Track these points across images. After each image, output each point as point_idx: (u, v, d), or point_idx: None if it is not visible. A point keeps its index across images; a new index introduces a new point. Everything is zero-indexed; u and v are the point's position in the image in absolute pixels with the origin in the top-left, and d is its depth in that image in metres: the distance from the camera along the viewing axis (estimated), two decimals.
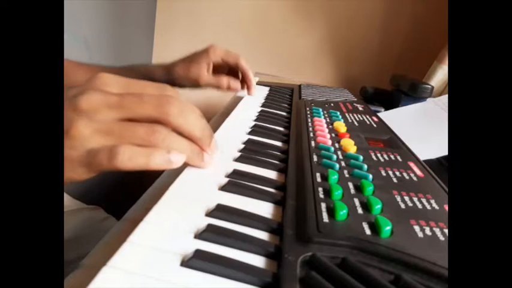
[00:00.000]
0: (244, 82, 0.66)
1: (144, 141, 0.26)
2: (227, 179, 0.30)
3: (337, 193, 0.28)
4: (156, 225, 0.23)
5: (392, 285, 0.20)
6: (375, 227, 0.24)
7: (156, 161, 0.26)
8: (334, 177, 0.31)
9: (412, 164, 0.37)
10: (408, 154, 0.40)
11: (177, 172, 0.30)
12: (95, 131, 0.25)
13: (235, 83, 0.64)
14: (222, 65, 0.64)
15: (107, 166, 0.25)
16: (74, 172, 0.26)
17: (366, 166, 0.34)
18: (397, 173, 0.34)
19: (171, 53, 1.27)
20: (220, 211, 0.25)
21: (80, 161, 0.25)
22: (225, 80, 0.64)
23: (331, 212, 0.25)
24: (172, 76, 0.65)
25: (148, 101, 0.26)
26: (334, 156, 0.36)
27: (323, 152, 0.37)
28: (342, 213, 0.25)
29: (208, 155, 0.31)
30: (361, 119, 0.54)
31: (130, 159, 0.25)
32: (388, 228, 0.24)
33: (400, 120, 0.64)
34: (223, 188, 0.29)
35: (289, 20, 1.21)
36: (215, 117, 0.59)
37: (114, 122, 0.26)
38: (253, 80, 0.66)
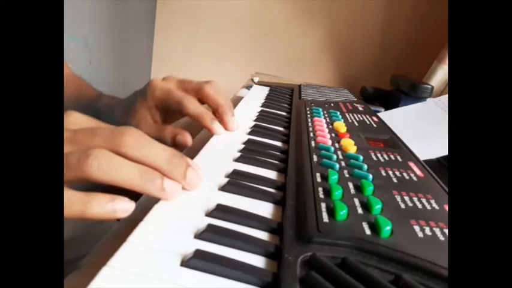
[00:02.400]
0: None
1: (76, 171, 0.22)
2: (227, 179, 0.30)
3: (337, 193, 0.28)
4: (156, 225, 0.23)
5: (392, 285, 0.20)
6: (375, 227, 0.24)
7: (93, 210, 0.22)
8: (334, 177, 0.31)
9: (412, 164, 0.37)
10: (408, 154, 0.40)
11: None
12: None
13: (184, 136, 0.43)
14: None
15: None
16: None
17: (366, 166, 0.34)
18: (397, 173, 0.34)
19: (171, 53, 1.28)
20: (220, 211, 0.25)
21: None
22: (168, 131, 0.44)
23: (331, 212, 0.25)
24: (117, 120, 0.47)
25: (101, 133, 0.24)
26: (334, 156, 0.36)
27: (323, 152, 0.37)
28: (342, 213, 0.25)
29: (171, 184, 0.26)
30: (361, 119, 0.54)
31: (66, 206, 0.22)
32: (388, 228, 0.24)
33: (400, 120, 0.64)
34: (223, 188, 0.29)
35: (290, 20, 1.21)
36: None
37: None
38: (228, 112, 0.44)
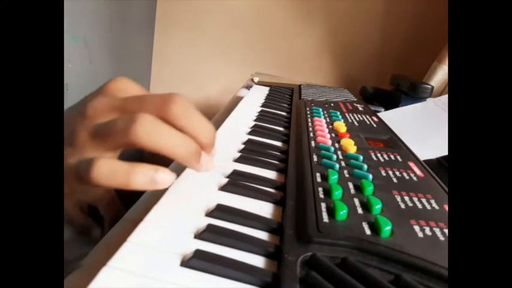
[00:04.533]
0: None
1: (123, 136, 0.22)
2: (227, 179, 0.30)
3: (337, 193, 0.28)
4: (156, 225, 0.23)
5: (392, 285, 0.20)
6: (375, 227, 0.24)
7: (138, 180, 0.22)
8: (334, 177, 0.31)
9: (412, 164, 0.37)
10: (408, 154, 0.40)
11: (177, 172, 0.30)
12: (89, 136, 0.24)
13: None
14: None
15: (85, 181, 0.23)
16: (69, 184, 0.24)
17: (366, 166, 0.34)
18: (397, 173, 0.34)
19: (171, 53, 1.28)
20: (220, 211, 0.25)
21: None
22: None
23: (331, 212, 0.25)
24: None
25: (150, 100, 0.24)
26: (334, 156, 0.36)
27: (323, 152, 0.37)
28: (342, 213, 0.25)
29: (207, 158, 0.27)
30: (361, 119, 0.54)
31: (107, 175, 0.22)
32: (388, 228, 0.24)
33: (400, 120, 0.64)
34: (223, 188, 0.29)
35: (290, 20, 1.21)
36: (215, 117, 0.59)
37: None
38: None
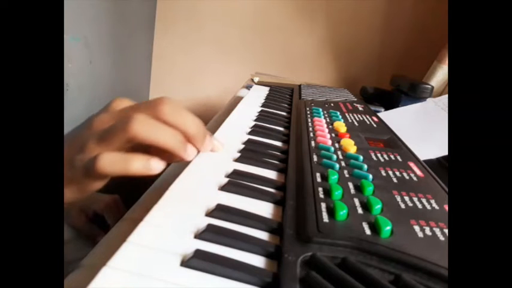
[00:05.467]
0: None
1: (123, 134, 0.26)
2: (227, 179, 0.30)
3: (337, 193, 0.28)
4: (156, 225, 0.23)
5: (392, 285, 0.20)
6: (375, 227, 0.24)
7: (134, 166, 0.26)
8: (334, 177, 0.31)
9: (412, 164, 0.37)
10: (408, 154, 0.40)
11: (177, 172, 0.30)
12: (95, 142, 0.27)
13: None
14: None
15: (92, 173, 0.26)
16: (78, 187, 0.28)
17: (366, 166, 0.34)
18: (397, 173, 0.34)
19: (171, 53, 1.28)
20: (220, 211, 0.25)
21: (72, 179, 0.27)
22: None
23: (331, 212, 0.25)
24: None
25: (142, 106, 0.28)
26: (334, 156, 0.36)
27: (323, 152, 0.37)
28: (342, 213, 0.25)
29: (191, 148, 0.30)
30: (361, 119, 0.54)
31: (110, 165, 0.26)
32: (388, 228, 0.24)
33: (400, 120, 0.64)
34: (223, 188, 0.29)
35: (290, 20, 1.21)
36: (215, 117, 0.59)
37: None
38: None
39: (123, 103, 0.30)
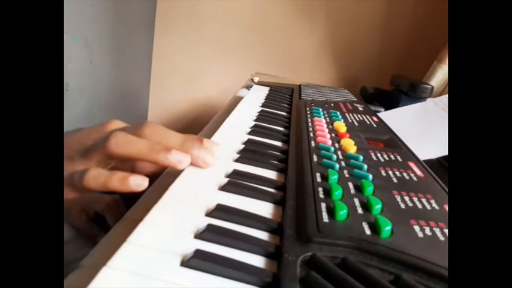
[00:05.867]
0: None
1: (102, 149, 0.28)
2: (227, 179, 0.30)
3: (337, 193, 0.28)
4: (156, 225, 0.23)
5: (392, 285, 0.20)
6: (375, 227, 0.24)
7: (112, 183, 0.27)
8: (334, 177, 0.31)
9: (412, 164, 0.37)
10: (408, 154, 0.40)
11: (177, 172, 0.30)
12: (80, 155, 0.30)
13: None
14: None
15: (78, 186, 0.28)
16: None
17: (366, 166, 0.34)
18: (397, 173, 0.34)
19: (171, 53, 1.28)
20: (220, 211, 0.25)
21: (66, 183, 0.28)
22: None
23: (331, 212, 0.25)
24: None
25: (128, 127, 0.30)
26: (334, 156, 0.36)
27: (323, 152, 0.37)
28: (342, 213, 0.25)
29: (176, 153, 0.29)
30: (361, 119, 0.54)
31: (93, 180, 0.27)
32: (388, 228, 0.24)
33: (400, 120, 0.64)
34: (223, 188, 0.29)
35: (290, 20, 1.21)
36: (215, 117, 0.59)
37: None
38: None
39: (117, 125, 0.31)
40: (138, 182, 0.27)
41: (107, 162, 0.29)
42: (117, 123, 0.32)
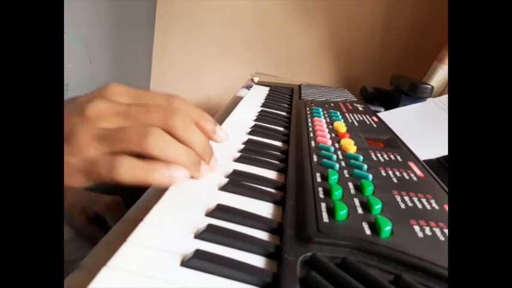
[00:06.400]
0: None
1: (136, 145, 0.25)
2: (227, 179, 0.30)
3: (337, 193, 0.28)
4: (156, 225, 0.23)
5: (392, 285, 0.20)
6: (375, 227, 0.24)
7: (156, 177, 0.25)
8: (334, 177, 0.31)
9: (412, 164, 0.37)
10: (408, 154, 0.40)
11: None
12: (94, 137, 0.25)
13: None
14: None
15: (105, 178, 0.25)
16: (73, 179, 0.25)
17: (366, 166, 0.34)
18: (397, 173, 0.34)
19: (171, 53, 1.28)
20: (220, 211, 0.25)
21: (79, 169, 0.25)
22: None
23: (331, 212, 0.25)
24: None
25: (155, 111, 0.27)
26: (334, 156, 0.36)
27: (323, 152, 0.37)
28: (342, 213, 0.25)
29: (205, 166, 0.30)
30: (361, 119, 0.54)
31: (129, 173, 0.24)
32: (388, 228, 0.24)
33: (400, 120, 0.64)
34: (223, 188, 0.29)
35: (289, 20, 1.21)
36: (215, 117, 0.59)
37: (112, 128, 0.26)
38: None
39: (119, 89, 0.28)
40: (184, 174, 0.26)
41: (135, 155, 0.26)
42: (119, 88, 0.28)
